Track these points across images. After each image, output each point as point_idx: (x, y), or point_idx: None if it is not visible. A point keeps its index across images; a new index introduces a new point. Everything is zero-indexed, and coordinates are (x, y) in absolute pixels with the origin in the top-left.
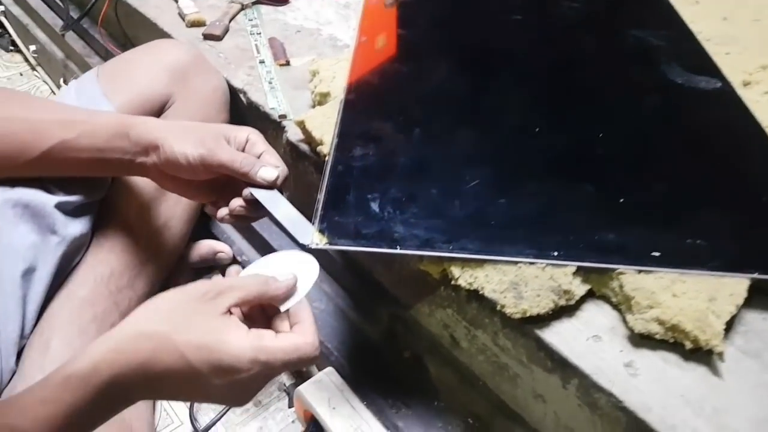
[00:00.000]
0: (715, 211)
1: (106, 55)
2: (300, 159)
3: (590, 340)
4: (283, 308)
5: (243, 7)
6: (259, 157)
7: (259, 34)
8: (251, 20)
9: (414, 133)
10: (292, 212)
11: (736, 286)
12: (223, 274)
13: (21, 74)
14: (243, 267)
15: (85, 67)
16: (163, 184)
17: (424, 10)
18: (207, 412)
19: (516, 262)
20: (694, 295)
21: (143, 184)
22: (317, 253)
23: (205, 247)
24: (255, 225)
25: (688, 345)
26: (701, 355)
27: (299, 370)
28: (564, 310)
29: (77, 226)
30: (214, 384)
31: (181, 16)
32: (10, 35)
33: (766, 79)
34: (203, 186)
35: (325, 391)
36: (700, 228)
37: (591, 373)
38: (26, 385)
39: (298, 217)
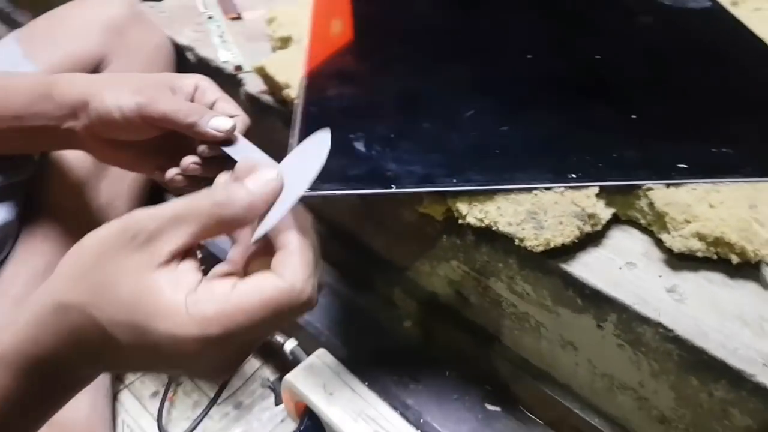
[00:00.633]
0: (734, 120)
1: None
2: (263, 114)
3: (624, 269)
4: (252, 238)
5: None
6: (212, 107)
7: None
8: None
9: (395, 68)
10: (266, 160)
11: None
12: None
13: None
14: (203, 259)
15: None
16: (100, 154)
17: None
18: (179, 421)
19: (530, 190)
20: (733, 204)
21: (77, 160)
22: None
23: None
24: None
25: (735, 259)
26: (748, 270)
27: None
28: (589, 239)
29: None
30: (165, 364)
31: None
32: None
33: None
34: (148, 151)
35: (318, 377)
36: (723, 136)
37: (632, 304)
38: None
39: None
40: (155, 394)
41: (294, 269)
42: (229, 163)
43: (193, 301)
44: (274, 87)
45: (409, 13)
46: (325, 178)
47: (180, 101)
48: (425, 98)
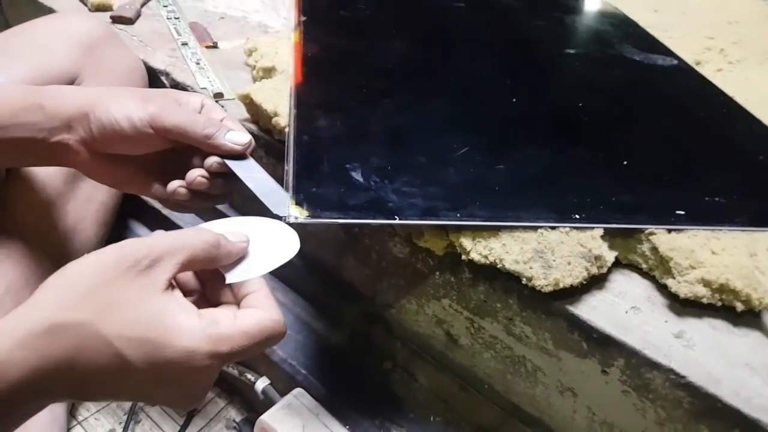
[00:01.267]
0: (717, 172)
1: None
2: None
3: (630, 313)
4: (232, 279)
5: None
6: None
7: (177, 18)
8: (166, 6)
9: (383, 102)
10: (270, 182)
11: None
12: None
13: None
14: None
15: None
16: (92, 170)
17: None
18: None
19: (536, 228)
20: (734, 252)
21: (47, 178)
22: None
23: None
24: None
25: (740, 306)
26: (750, 318)
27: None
28: (594, 282)
29: None
30: (160, 385)
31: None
32: None
33: (713, 58)
34: (144, 168)
35: (297, 418)
36: (712, 186)
37: (642, 349)
38: None
39: (277, 189)
40: None
41: (274, 306)
42: (231, 181)
43: (209, 321)
44: (259, 115)
45: (388, 52)
46: (324, 205)
47: (194, 113)
48: (417, 134)
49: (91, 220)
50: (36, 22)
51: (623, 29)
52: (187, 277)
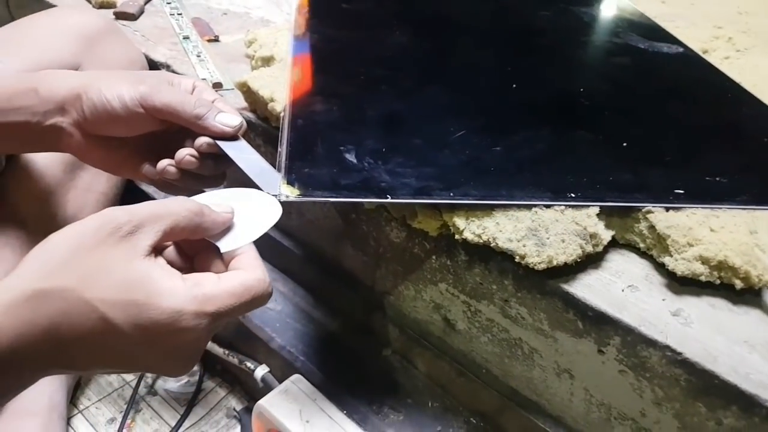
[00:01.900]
0: (718, 153)
1: None
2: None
3: (626, 291)
4: (225, 248)
5: None
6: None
7: (180, 14)
8: (169, 2)
9: (382, 89)
10: (261, 163)
11: None
12: None
13: None
14: None
15: None
16: (85, 153)
17: None
18: None
19: (530, 206)
20: (733, 229)
21: (47, 167)
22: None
23: None
24: None
25: (739, 284)
26: (750, 297)
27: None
28: (589, 260)
29: None
30: (149, 349)
31: None
32: None
33: (721, 47)
34: (137, 151)
35: (294, 402)
36: (713, 167)
37: (638, 326)
38: None
39: (269, 169)
40: (111, 420)
41: (259, 266)
42: (222, 162)
43: (193, 283)
44: (256, 103)
45: (394, 38)
46: (316, 184)
47: (186, 94)
48: (414, 118)
49: (91, 210)
50: (36, 15)
51: (628, 19)
52: (173, 255)
